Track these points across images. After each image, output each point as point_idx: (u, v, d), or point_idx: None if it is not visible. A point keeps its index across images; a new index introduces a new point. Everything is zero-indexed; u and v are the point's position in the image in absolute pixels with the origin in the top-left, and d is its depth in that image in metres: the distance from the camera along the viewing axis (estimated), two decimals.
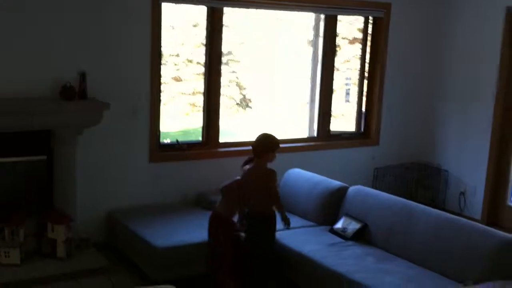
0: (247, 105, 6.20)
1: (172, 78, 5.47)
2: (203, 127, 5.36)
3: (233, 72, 5.84)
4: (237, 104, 6.10)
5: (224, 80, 5.42)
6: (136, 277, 4.33)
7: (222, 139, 5.45)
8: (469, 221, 4.00)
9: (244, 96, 6.15)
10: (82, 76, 4.45)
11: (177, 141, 5.20)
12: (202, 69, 5.29)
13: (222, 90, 5.36)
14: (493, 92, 5.78)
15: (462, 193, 6.10)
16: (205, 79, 5.29)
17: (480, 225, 3.95)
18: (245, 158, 4.25)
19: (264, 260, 4.10)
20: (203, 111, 5.33)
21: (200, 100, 5.35)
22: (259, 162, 4.17)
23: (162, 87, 5.08)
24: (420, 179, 6.33)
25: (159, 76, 4.97)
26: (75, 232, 4.54)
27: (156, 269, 4.12)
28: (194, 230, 4.39)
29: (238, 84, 6.01)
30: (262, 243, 4.12)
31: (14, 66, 4.31)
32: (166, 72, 5.25)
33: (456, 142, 6.18)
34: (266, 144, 4.21)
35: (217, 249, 4.07)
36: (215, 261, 4.09)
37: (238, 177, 4.17)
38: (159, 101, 5.00)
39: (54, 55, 4.44)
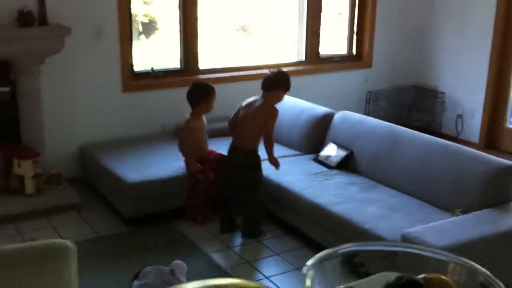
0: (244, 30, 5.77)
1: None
2: (180, 53, 5.01)
3: None
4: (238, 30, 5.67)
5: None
6: (109, 213, 4.13)
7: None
8: (461, 146, 3.70)
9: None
10: (41, 0, 4.07)
11: (152, 68, 4.86)
12: None
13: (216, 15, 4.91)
14: (493, 5, 5.33)
15: (460, 116, 5.78)
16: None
17: (472, 150, 3.66)
18: (230, 85, 3.96)
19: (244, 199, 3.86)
20: (180, 35, 4.95)
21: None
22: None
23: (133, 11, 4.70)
24: (415, 102, 6.01)
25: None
26: (45, 167, 4.32)
27: (128, 205, 3.91)
28: (170, 163, 4.14)
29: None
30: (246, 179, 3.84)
31: None
32: None
33: (453, 63, 5.79)
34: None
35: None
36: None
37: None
38: (129, 24, 4.62)
39: None
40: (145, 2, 5.01)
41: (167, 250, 3.61)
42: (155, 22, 5.12)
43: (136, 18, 4.93)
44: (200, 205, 3.99)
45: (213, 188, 3.98)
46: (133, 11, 4.73)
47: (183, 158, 4.04)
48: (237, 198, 3.85)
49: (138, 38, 5.05)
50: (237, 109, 3.87)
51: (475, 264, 1.20)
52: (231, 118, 3.90)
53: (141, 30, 5.05)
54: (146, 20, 5.06)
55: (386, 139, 3.96)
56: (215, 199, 4.00)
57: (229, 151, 3.89)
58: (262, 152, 3.85)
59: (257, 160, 3.84)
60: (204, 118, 4.08)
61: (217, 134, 4.43)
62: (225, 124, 4.07)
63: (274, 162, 3.87)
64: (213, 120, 4.43)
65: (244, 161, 3.83)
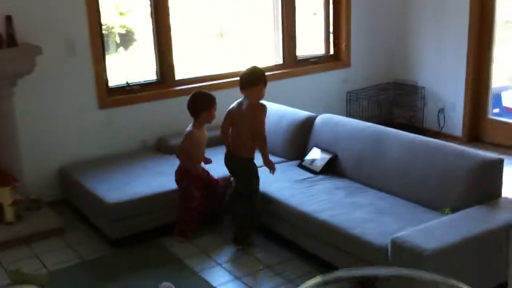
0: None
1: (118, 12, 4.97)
2: (156, 65, 4.92)
3: None
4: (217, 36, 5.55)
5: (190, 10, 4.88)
6: (93, 235, 4.03)
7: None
8: (444, 143, 3.67)
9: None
10: (8, 19, 3.96)
11: (127, 82, 4.77)
12: None
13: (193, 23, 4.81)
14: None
15: (441, 110, 5.76)
16: (151, 9, 4.79)
17: (456, 145, 3.62)
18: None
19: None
20: (154, 45, 4.86)
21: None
22: (250, 95, 3.70)
23: (104, 25, 4.60)
24: (396, 99, 5.99)
25: (98, 12, 4.48)
26: (25, 192, 4.21)
27: (111, 226, 3.81)
28: (153, 179, 4.06)
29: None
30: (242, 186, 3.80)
31: None
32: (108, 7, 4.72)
33: (432, 57, 5.77)
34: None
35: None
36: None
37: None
38: (101, 38, 4.52)
39: None
40: (121, 14, 4.90)
41: (155, 270, 3.52)
42: (132, 33, 5.01)
43: (113, 30, 4.83)
44: (192, 221, 3.92)
45: (205, 204, 3.93)
46: (109, 22, 4.62)
47: (178, 166, 3.92)
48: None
49: (116, 51, 4.95)
50: (226, 115, 3.78)
51: None
52: (223, 125, 3.79)
53: (118, 41, 4.94)
54: (123, 31, 4.95)
55: (369, 140, 3.91)
56: (206, 214, 3.96)
57: (225, 160, 3.83)
58: (258, 159, 3.76)
59: (252, 170, 3.75)
60: (205, 130, 3.98)
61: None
62: (212, 134, 4.06)
63: (269, 165, 3.77)
64: None
65: (239, 170, 3.78)
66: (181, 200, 3.90)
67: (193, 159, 3.90)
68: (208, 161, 4.01)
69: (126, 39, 4.99)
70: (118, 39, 4.96)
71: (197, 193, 3.89)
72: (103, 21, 4.58)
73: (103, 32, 4.61)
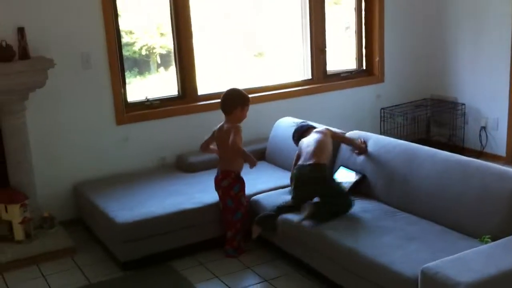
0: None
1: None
2: (177, 80, 4.72)
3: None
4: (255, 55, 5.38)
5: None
6: (104, 257, 3.81)
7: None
8: (484, 162, 3.30)
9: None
10: (20, 31, 3.84)
11: (146, 97, 4.58)
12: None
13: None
14: (510, 9, 4.94)
15: (483, 128, 5.35)
16: (172, 21, 4.61)
17: (498, 166, 3.24)
18: None
19: None
20: (174, 59, 4.67)
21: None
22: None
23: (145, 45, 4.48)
24: (434, 117, 5.61)
25: (116, 25, 4.33)
26: (37, 210, 4.05)
27: (121, 248, 3.57)
28: (168, 199, 3.83)
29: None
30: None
31: None
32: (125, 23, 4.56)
33: (472, 71, 5.38)
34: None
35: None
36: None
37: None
38: (118, 52, 4.36)
39: None
40: (162, 34, 4.76)
41: None
42: (171, 53, 4.83)
43: (154, 51, 4.75)
44: (239, 232, 3.72)
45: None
46: (150, 43, 4.55)
47: (219, 172, 3.73)
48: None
49: (157, 71, 4.85)
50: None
51: None
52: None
53: (159, 62, 4.82)
54: (164, 52, 4.81)
55: (400, 158, 3.57)
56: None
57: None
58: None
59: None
60: None
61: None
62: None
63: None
64: None
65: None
66: (223, 212, 3.72)
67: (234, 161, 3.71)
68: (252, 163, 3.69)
69: (167, 59, 4.84)
70: (159, 59, 4.81)
71: (244, 199, 3.71)
72: (145, 41, 4.56)
73: (145, 52, 4.60)
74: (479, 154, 5.23)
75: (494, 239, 2.87)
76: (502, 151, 5.22)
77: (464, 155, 3.54)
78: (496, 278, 2.49)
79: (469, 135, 5.48)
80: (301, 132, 3.88)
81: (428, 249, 2.91)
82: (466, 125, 5.48)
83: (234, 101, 3.70)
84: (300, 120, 4.16)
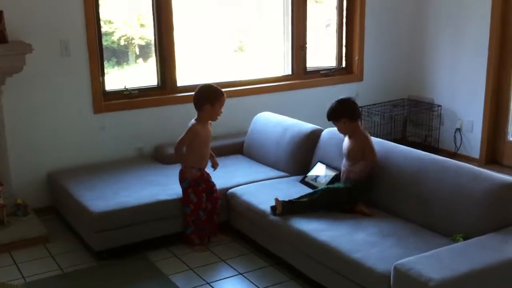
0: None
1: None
2: (157, 71, 4.69)
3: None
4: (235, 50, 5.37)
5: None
6: (78, 246, 3.78)
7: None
8: (458, 163, 3.35)
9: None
10: None
11: (125, 87, 4.54)
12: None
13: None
14: (488, 13, 5.02)
15: (458, 130, 5.44)
16: (153, 12, 4.58)
17: (471, 166, 3.30)
18: None
19: None
20: (155, 50, 4.64)
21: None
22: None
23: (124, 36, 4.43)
24: (411, 117, 5.69)
25: (97, 14, 4.28)
26: (10, 197, 3.99)
27: (95, 237, 3.55)
28: (143, 189, 3.82)
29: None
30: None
31: None
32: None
33: (449, 73, 5.47)
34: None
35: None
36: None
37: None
38: (98, 39, 4.31)
39: None
40: (142, 25, 4.71)
41: (137, 285, 3.25)
42: (151, 45, 4.78)
43: (133, 41, 4.69)
44: (190, 227, 3.68)
45: (201, 213, 3.68)
46: (129, 33, 4.50)
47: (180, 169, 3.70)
48: None
49: (136, 62, 4.80)
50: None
51: None
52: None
53: (138, 53, 4.77)
54: (143, 43, 4.76)
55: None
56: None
57: None
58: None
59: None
60: (210, 128, 3.72)
61: None
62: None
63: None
64: None
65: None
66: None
67: (192, 157, 3.64)
68: (214, 164, 3.75)
69: (146, 50, 4.79)
70: (137, 50, 4.77)
71: (195, 197, 3.64)
72: (124, 31, 4.50)
73: (124, 43, 4.54)
74: (453, 155, 5.32)
75: (466, 238, 2.93)
76: (475, 153, 5.32)
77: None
78: (467, 275, 2.54)
79: (444, 136, 5.56)
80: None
81: (402, 246, 2.95)
82: (442, 126, 5.56)
83: (204, 98, 3.61)
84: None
